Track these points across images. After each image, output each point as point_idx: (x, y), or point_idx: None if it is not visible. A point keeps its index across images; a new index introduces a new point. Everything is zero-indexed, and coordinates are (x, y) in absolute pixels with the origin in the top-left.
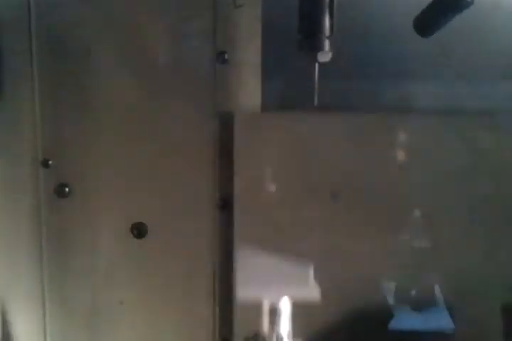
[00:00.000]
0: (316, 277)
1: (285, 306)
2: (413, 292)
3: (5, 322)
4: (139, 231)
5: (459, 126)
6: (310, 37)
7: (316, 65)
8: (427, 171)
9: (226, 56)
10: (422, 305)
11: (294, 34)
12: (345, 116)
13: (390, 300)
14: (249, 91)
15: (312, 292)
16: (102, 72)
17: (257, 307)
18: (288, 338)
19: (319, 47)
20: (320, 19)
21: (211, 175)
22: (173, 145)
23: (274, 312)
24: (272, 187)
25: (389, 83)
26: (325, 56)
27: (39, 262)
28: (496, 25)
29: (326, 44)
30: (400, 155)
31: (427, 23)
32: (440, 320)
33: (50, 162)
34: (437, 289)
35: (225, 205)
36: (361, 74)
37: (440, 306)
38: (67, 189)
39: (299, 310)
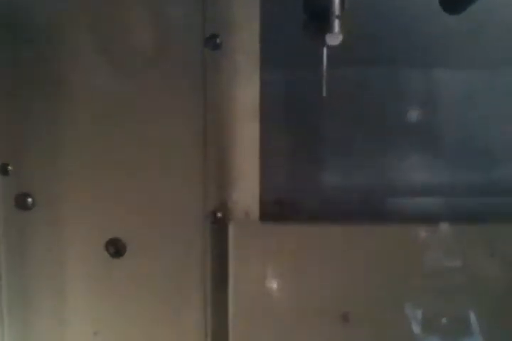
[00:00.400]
0: None
1: None
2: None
3: None
4: (116, 248)
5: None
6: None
7: (325, 49)
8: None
9: (218, 40)
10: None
11: (298, 14)
12: (351, 228)
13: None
14: (245, 81)
15: None
16: (74, 59)
17: None
18: None
19: (328, 29)
20: None
21: (200, 183)
22: (154, 147)
23: None
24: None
25: (409, 71)
26: (335, 39)
27: None
28: None
29: (336, 25)
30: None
31: None
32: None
33: (9, 168)
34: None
35: (217, 219)
36: (376, 61)
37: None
38: (30, 199)
39: None
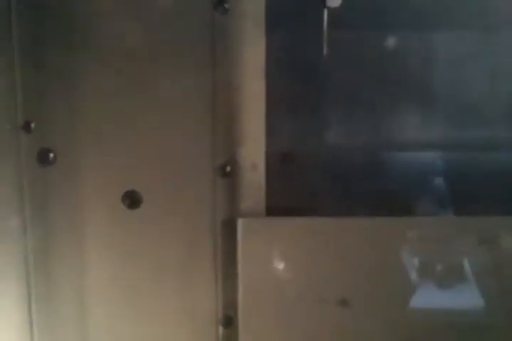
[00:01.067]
0: None
1: None
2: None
3: None
4: (131, 200)
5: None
6: None
7: (325, 11)
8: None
9: (226, 5)
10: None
11: None
12: (351, 221)
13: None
14: (251, 43)
15: None
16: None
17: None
18: None
19: None
20: None
21: (209, 138)
22: (167, 104)
23: None
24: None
25: (407, 34)
26: (335, 0)
27: (23, 235)
28: None
29: None
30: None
31: None
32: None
33: (32, 125)
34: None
35: (226, 172)
36: (375, 24)
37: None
38: (51, 155)
39: None
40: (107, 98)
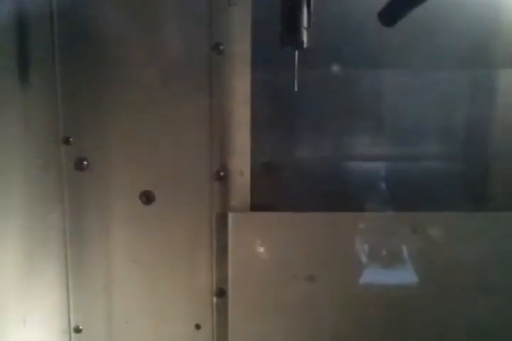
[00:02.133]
0: None
1: None
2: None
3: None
4: (147, 198)
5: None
6: (289, 30)
7: (296, 52)
8: None
9: (221, 47)
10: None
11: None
12: (316, 215)
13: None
14: (240, 77)
15: None
16: (118, 57)
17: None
18: None
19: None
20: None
21: (208, 150)
22: (176, 124)
23: None
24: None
25: (362, 71)
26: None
27: (63, 227)
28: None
29: (304, 35)
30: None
31: (390, 13)
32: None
33: (70, 139)
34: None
35: (220, 177)
36: (338, 62)
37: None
38: (85, 163)
39: None
40: (130, 118)
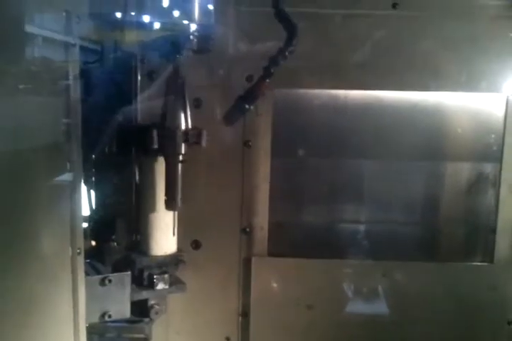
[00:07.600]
0: None
1: None
2: None
3: None
4: (196, 245)
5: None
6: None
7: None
8: None
9: (250, 143)
10: None
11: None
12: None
13: None
14: (262, 165)
15: None
16: None
17: None
18: None
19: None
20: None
21: (238, 212)
22: (218, 195)
23: None
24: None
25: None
26: None
27: None
28: None
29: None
30: None
31: None
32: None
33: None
34: None
35: (246, 232)
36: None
37: None
38: None
39: None
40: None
